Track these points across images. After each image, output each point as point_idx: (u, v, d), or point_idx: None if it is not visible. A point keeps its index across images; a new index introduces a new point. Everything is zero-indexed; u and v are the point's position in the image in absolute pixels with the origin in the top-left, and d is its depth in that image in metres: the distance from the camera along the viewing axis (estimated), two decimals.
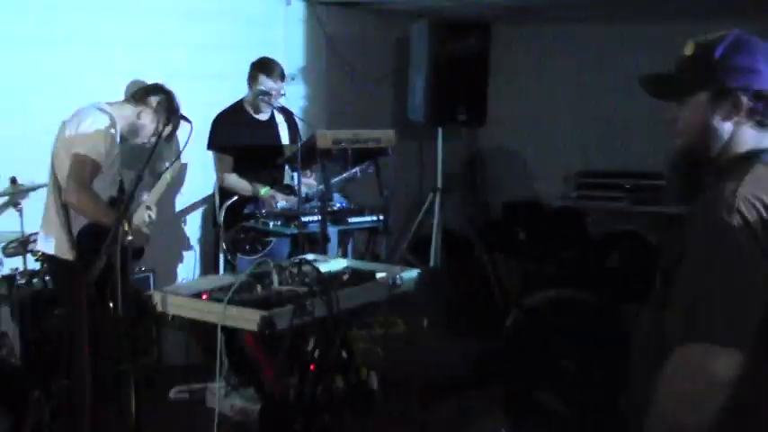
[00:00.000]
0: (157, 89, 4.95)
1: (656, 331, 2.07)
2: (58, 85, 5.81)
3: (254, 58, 6.13)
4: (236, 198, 5.85)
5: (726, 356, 1.87)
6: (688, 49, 2.18)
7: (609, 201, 8.23)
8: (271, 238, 5.82)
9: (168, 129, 4.57)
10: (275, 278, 4.01)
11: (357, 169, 5.71)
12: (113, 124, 4.70)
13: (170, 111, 4.75)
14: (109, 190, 4.73)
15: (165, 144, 4.56)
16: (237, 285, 3.83)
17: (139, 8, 6.49)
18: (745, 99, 2.08)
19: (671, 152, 2.27)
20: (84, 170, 4.56)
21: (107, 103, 4.81)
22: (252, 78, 5.97)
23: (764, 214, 1.91)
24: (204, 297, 3.88)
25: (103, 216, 4.51)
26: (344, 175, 5.87)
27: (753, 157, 2.06)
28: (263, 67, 5.94)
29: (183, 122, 4.35)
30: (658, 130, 7.29)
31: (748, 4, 6.89)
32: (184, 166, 6.37)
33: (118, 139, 4.77)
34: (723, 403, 1.88)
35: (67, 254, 4.63)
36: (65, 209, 4.64)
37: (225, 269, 5.81)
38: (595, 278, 7.43)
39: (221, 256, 5.90)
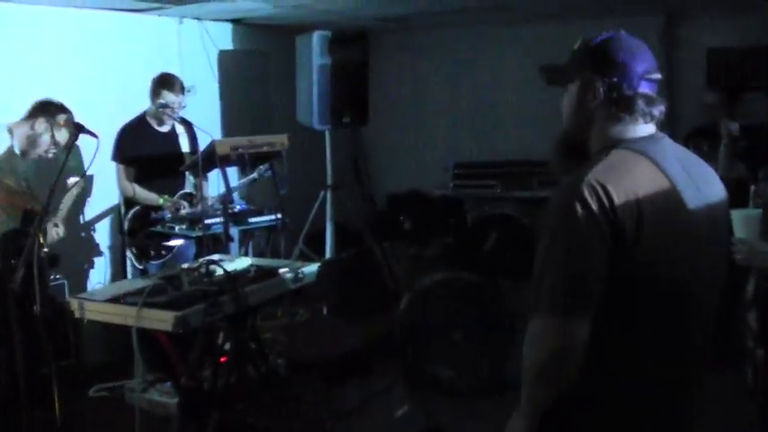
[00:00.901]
0: (48, 103, 4.87)
1: None
2: None
3: (152, 74, 5.99)
4: (139, 206, 5.76)
5: (562, 329, 1.91)
6: (576, 44, 2.19)
7: (483, 188, 8.33)
8: (175, 242, 5.72)
9: (66, 139, 4.51)
10: (185, 280, 3.94)
11: (256, 173, 5.67)
12: (9, 139, 4.65)
13: (70, 124, 4.68)
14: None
15: (70, 157, 4.42)
16: (150, 289, 3.75)
17: (44, 33, 6.31)
18: (602, 89, 2.10)
19: (554, 137, 2.29)
20: None
21: (9, 124, 4.69)
22: (154, 93, 5.83)
23: (605, 201, 1.90)
24: (120, 302, 3.78)
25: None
26: (246, 179, 5.83)
27: (612, 146, 2.08)
28: (164, 82, 5.82)
29: (88, 136, 4.20)
30: (526, 122, 7.51)
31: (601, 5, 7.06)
32: (91, 179, 6.23)
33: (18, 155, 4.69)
34: (565, 372, 1.92)
35: None
36: None
37: (133, 275, 5.70)
38: (476, 259, 7.52)
39: (128, 262, 5.80)
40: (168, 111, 5.77)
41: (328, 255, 7.30)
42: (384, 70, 8.56)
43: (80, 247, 6.67)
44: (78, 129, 4.13)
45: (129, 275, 5.76)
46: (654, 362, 2.02)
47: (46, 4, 6.30)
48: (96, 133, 4.19)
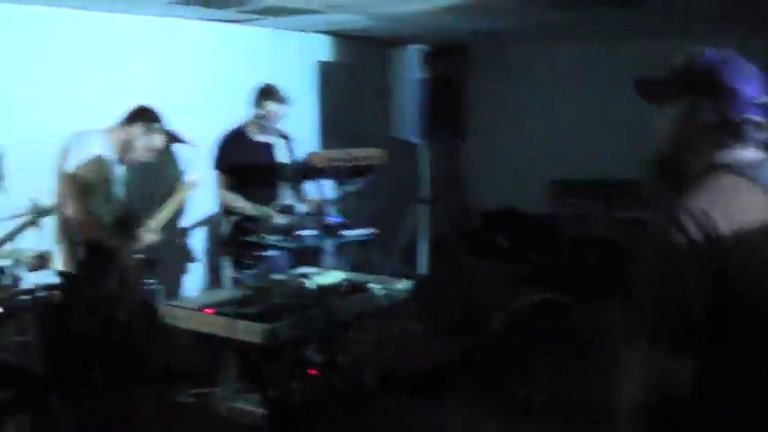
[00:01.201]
0: (144, 110, 4.89)
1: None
2: (72, 111, 5.76)
3: (249, 85, 6.04)
4: (237, 216, 5.76)
5: (661, 360, 1.82)
6: (677, 59, 2.08)
7: (582, 207, 8.19)
8: (270, 253, 5.73)
9: (158, 143, 4.56)
10: (276, 292, 3.96)
11: (357, 184, 5.66)
12: (105, 146, 4.66)
13: (161, 129, 4.73)
14: (112, 210, 4.65)
15: (167, 165, 4.48)
16: (240, 300, 3.77)
17: (141, 42, 6.45)
18: (708, 114, 1.99)
19: (648, 158, 2.19)
20: (68, 189, 4.58)
21: (104, 129, 4.75)
22: (256, 102, 5.87)
23: (708, 229, 1.81)
24: (210, 311, 3.80)
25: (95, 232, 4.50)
26: (345, 189, 5.82)
27: (715, 170, 1.98)
28: (267, 92, 5.85)
29: (183, 145, 4.27)
30: (628, 140, 7.34)
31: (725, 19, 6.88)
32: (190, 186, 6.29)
33: (113, 161, 4.72)
34: (664, 402, 1.84)
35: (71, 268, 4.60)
36: (67, 227, 4.59)
37: (228, 283, 5.72)
38: (571, 281, 7.38)
39: (224, 271, 5.84)
40: (267, 121, 5.80)
41: (421, 270, 7.25)
42: (482, 85, 8.49)
43: (176, 253, 6.77)
44: (171, 138, 4.18)
45: (224, 284, 5.79)
46: (756, 390, 1.92)
47: (144, 14, 6.43)
48: (189, 141, 4.24)
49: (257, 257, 5.73)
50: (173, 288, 6.49)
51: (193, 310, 3.88)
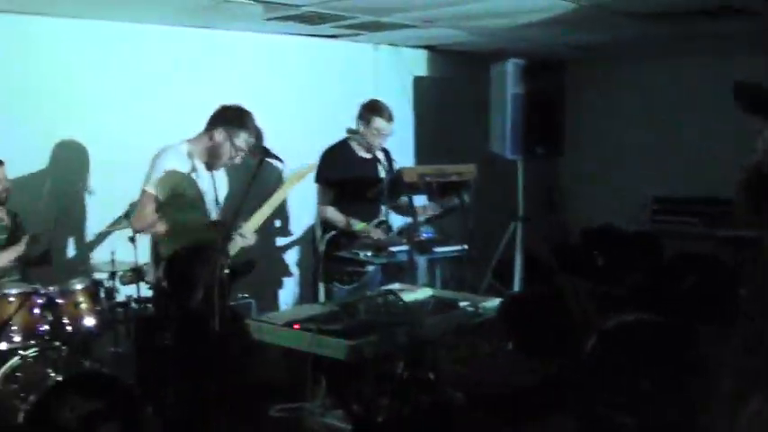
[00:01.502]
0: (224, 109, 4.82)
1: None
2: (167, 128, 5.89)
3: (348, 100, 6.06)
4: (335, 230, 5.77)
5: None
6: None
7: (684, 225, 7.99)
8: (367, 268, 5.72)
9: (244, 144, 4.60)
10: (362, 308, 3.96)
11: (450, 199, 5.62)
12: (184, 159, 4.67)
13: (241, 126, 4.70)
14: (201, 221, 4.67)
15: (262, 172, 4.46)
16: (326, 316, 3.79)
17: (239, 57, 6.57)
18: None
19: (744, 172, 2.08)
20: (140, 206, 4.65)
21: (187, 140, 4.78)
22: (362, 118, 5.86)
23: None
24: (296, 327, 3.82)
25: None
26: (433, 212, 5.79)
27: None
28: (374, 108, 5.85)
29: (275, 161, 4.27)
30: (730, 157, 7.10)
31: None
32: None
33: (196, 170, 4.72)
34: None
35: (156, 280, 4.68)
36: (153, 239, 4.73)
37: (324, 297, 5.73)
38: (670, 301, 7.18)
39: (321, 285, 5.85)
40: (374, 137, 5.81)
41: (517, 288, 7.16)
42: (580, 101, 8.35)
43: (270, 266, 6.85)
44: (264, 153, 4.19)
45: (321, 299, 5.78)
46: None
47: (242, 29, 6.55)
48: (282, 158, 4.25)
49: (354, 273, 5.74)
50: (267, 303, 6.57)
51: (280, 325, 3.90)
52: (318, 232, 5.96)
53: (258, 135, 4.66)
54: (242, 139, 4.60)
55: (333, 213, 5.83)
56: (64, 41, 5.98)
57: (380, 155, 5.98)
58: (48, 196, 6.03)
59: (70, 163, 6.05)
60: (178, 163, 4.62)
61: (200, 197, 4.67)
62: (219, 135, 4.68)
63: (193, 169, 4.68)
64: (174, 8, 5.74)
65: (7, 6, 5.55)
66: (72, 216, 6.12)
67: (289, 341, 3.83)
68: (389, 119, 5.83)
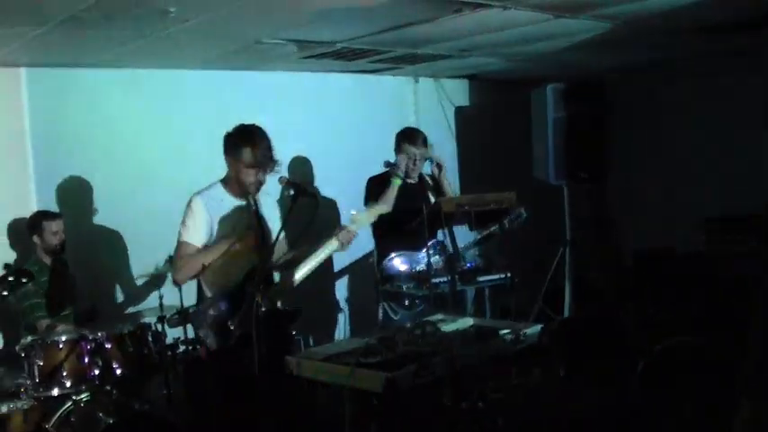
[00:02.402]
0: (225, 138, 4.76)
1: None
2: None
3: (390, 132, 6.13)
4: (392, 256, 5.78)
5: None
6: None
7: (739, 245, 7.87)
8: (417, 298, 5.72)
9: (255, 157, 4.55)
10: (400, 340, 4.00)
11: (491, 228, 5.64)
12: (216, 198, 4.73)
13: (243, 143, 4.62)
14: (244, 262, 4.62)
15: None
16: (364, 349, 3.84)
17: (282, 95, 6.71)
18: None
19: None
20: (179, 253, 4.73)
21: (221, 179, 4.83)
22: (398, 147, 5.96)
23: None
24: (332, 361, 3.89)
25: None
26: (479, 234, 5.80)
27: None
28: (407, 136, 5.94)
29: (306, 199, 4.33)
30: None
31: None
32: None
33: (234, 205, 4.74)
34: None
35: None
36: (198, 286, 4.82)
37: (384, 324, 5.77)
38: (727, 325, 7.08)
39: (380, 312, 5.89)
40: (412, 163, 5.88)
41: (567, 313, 7.15)
42: (624, 122, 8.32)
43: (321, 301, 6.93)
44: (298, 191, 4.25)
45: (381, 325, 5.79)
46: None
47: (280, 69, 6.70)
48: (315, 193, 4.33)
49: (417, 298, 5.75)
50: (320, 337, 6.65)
51: (317, 360, 3.97)
52: (375, 259, 6.00)
53: (266, 145, 4.64)
54: (249, 156, 4.57)
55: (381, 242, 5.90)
56: (105, 91, 6.20)
57: (428, 181, 6.02)
58: (89, 241, 6.22)
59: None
60: (209, 204, 4.69)
61: (239, 230, 4.66)
62: (230, 162, 4.70)
63: (231, 205, 4.72)
64: (211, 53, 5.91)
65: (52, 60, 5.77)
66: (117, 262, 6.30)
67: (327, 375, 3.88)
68: (421, 144, 5.90)
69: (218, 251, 4.58)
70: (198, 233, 4.67)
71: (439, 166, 5.99)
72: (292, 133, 6.52)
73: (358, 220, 4.80)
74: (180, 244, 4.72)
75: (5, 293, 4.52)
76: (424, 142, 5.95)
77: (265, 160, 4.59)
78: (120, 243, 6.34)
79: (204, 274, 4.68)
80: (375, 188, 5.94)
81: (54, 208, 5.85)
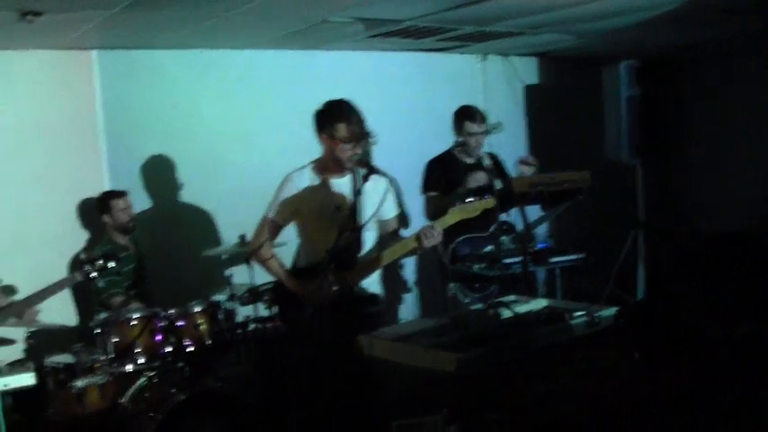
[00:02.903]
0: (315, 115, 4.62)
1: None
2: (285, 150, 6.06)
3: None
4: (461, 239, 5.72)
5: None
6: None
7: None
8: (488, 279, 5.66)
9: (350, 131, 4.43)
10: (473, 321, 3.96)
11: (562, 208, 5.56)
12: (307, 178, 4.66)
13: (335, 118, 4.48)
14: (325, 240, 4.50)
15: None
16: (436, 329, 3.81)
17: (346, 74, 6.68)
18: None
19: None
20: (260, 231, 4.70)
21: (312, 160, 4.75)
22: (456, 126, 5.92)
23: None
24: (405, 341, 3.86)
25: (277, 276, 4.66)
26: (551, 214, 5.72)
27: None
28: (466, 114, 5.89)
29: (379, 176, 4.31)
30: None
31: None
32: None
33: (326, 184, 4.64)
34: None
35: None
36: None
37: (451, 307, 5.71)
38: None
39: (448, 294, 5.84)
40: (471, 142, 5.82)
41: (640, 296, 7.03)
42: (698, 100, 8.10)
43: (391, 282, 6.91)
44: (370, 170, 4.23)
45: (448, 309, 5.72)
46: None
47: (348, 49, 6.66)
48: (388, 174, 4.29)
49: (487, 280, 5.72)
50: (390, 315, 6.63)
51: (389, 340, 3.94)
52: (441, 243, 5.93)
53: (359, 120, 4.56)
54: (343, 130, 4.45)
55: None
56: (175, 72, 6.25)
57: (488, 161, 5.95)
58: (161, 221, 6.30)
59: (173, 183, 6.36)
60: (301, 184, 4.64)
61: (330, 211, 4.59)
62: (324, 139, 4.57)
63: (323, 184, 4.64)
64: (279, 32, 5.90)
65: (122, 42, 5.82)
66: (189, 240, 6.35)
67: (399, 356, 3.86)
68: (479, 120, 5.86)
69: (275, 274, 4.68)
70: (281, 212, 4.65)
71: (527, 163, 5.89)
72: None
73: (443, 220, 4.68)
74: (263, 218, 4.71)
75: (94, 275, 4.63)
76: (483, 119, 5.90)
77: (360, 133, 4.49)
78: (192, 222, 6.40)
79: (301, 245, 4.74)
80: (435, 171, 5.90)
81: (127, 188, 5.90)
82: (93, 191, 5.84)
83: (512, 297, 4.68)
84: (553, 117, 8.07)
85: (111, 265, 4.78)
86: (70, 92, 5.96)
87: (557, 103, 8.11)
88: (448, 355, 3.58)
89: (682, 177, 8.92)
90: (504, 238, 5.65)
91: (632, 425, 4.79)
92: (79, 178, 5.98)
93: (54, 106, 5.89)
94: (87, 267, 4.72)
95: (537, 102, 8.06)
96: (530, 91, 8.01)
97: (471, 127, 5.82)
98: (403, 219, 4.95)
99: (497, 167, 6.04)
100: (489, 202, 4.49)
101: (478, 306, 4.31)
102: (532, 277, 5.76)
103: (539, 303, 4.47)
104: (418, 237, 4.43)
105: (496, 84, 7.71)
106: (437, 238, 4.45)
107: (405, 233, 4.83)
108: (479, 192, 4.72)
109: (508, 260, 5.43)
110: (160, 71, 6.23)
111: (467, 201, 4.43)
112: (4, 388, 3.72)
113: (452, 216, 4.48)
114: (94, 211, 5.80)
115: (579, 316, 4.19)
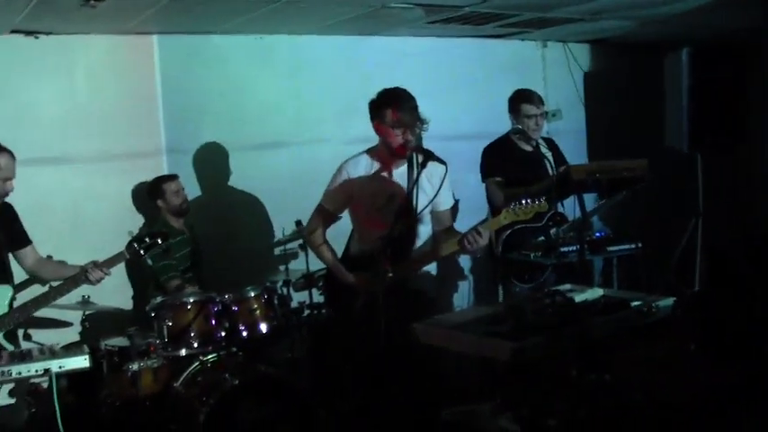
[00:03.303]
0: (369, 105, 4.60)
1: None
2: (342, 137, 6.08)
3: None
4: (514, 228, 5.58)
5: None
6: None
7: None
8: (543, 267, 5.60)
9: (403, 118, 4.39)
10: (528, 309, 3.91)
11: (621, 196, 5.47)
12: (363, 165, 4.66)
13: (388, 104, 4.46)
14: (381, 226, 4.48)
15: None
16: (491, 317, 3.77)
17: (401, 60, 6.66)
18: None
19: None
20: (314, 218, 4.74)
21: (368, 148, 4.73)
22: (513, 109, 5.84)
23: None
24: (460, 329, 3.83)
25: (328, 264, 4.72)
26: (609, 202, 5.63)
27: None
28: (521, 96, 5.81)
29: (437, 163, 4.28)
30: None
31: None
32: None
33: (381, 171, 4.64)
34: None
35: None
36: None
37: (503, 297, 5.70)
38: None
39: (500, 285, 5.80)
40: (527, 127, 5.75)
41: (697, 286, 6.90)
42: (761, 87, 7.89)
43: (445, 269, 6.87)
44: (426, 157, 4.20)
45: (500, 299, 5.74)
46: None
47: (409, 35, 6.63)
48: (444, 161, 4.26)
49: (537, 270, 5.65)
50: (443, 304, 6.60)
51: (444, 328, 3.91)
52: (493, 233, 5.87)
53: (410, 106, 4.51)
54: (392, 116, 4.43)
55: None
56: (235, 57, 6.28)
57: (546, 148, 5.88)
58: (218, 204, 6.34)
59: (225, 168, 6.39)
60: (355, 172, 4.64)
61: (383, 200, 4.59)
62: (376, 127, 4.57)
63: (377, 173, 4.64)
64: (339, 18, 5.89)
65: (182, 27, 5.86)
66: (245, 225, 6.38)
67: (454, 344, 3.83)
68: (537, 102, 5.77)
69: (326, 262, 4.77)
70: (334, 201, 4.69)
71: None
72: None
73: (495, 221, 4.63)
74: (317, 206, 4.75)
75: (142, 253, 4.66)
76: (541, 101, 5.82)
77: (410, 119, 4.44)
78: (249, 207, 6.42)
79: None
80: (493, 156, 5.83)
81: (184, 174, 5.95)
82: (152, 175, 5.88)
83: (567, 286, 4.63)
84: (614, 104, 7.93)
85: (159, 242, 4.77)
86: (130, 77, 6.02)
87: (616, 91, 7.98)
88: (502, 343, 3.54)
89: (743, 166, 8.73)
90: (556, 229, 5.58)
91: (688, 417, 4.72)
92: (138, 163, 6.03)
93: (114, 91, 5.96)
94: (136, 245, 4.72)
95: (596, 89, 7.94)
96: (589, 78, 7.90)
97: (529, 109, 5.73)
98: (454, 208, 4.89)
99: (555, 154, 5.96)
100: (543, 205, 4.43)
101: (534, 295, 4.25)
102: (589, 266, 5.68)
103: (595, 293, 4.40)
104: (461, 242, 4.43)
105: (556, 71, 7.62)
106: (481, 243, 4.43)
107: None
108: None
109: (565, 248, 5.36)
110: (219, 56, 6.26)
111: (522, 202, 4.39)
112: (60, 370, 3.74)
113: (505, 217, 4.45)
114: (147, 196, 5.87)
115: (637, 306, 4.12)
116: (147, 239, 4.73)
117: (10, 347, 4.39)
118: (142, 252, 4.71)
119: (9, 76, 5.63)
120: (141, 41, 6.00)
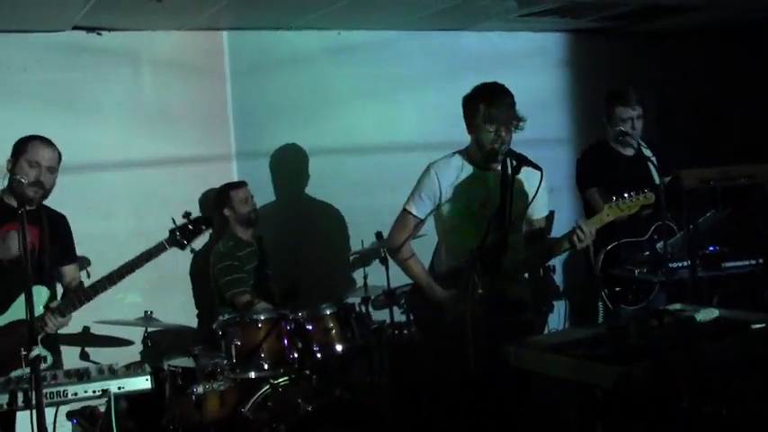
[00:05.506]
0: (462, 102, 4.55)
1: None
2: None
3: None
4: (615, 243, 5.55)
5: None
6: None
7: None
8: (650, 286, 5.46)
9: (497, 113, 4.30)
10: (633, 331, 3.81)
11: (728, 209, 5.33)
12: (453, 168, 4.58)
13: (483, 99, 4.38)
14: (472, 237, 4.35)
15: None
16: (592, 339, 3.68)
17: (487, 59, 6.60)
18: None
19: None
20: (398, 227, 4.66)
21: (458, 150, 4.65)
22: (607, 112, 5.69)
23: None
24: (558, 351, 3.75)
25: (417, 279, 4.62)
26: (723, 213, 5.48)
27: None
28: (618, 97, 5.64)
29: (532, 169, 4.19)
30: None
31: None
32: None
33: (474, 174, 4.55)
34: None
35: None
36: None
37: (604, 318, 5.60)
38: None
39: (600, 306, 5.70)
40: (627, 127, 5.59)
41: None
42: None
43: (540, 288, 6.78)
44: (520, 161, 4.13)
45: (601, 319, 5.65)
46: None
47: (499, 29, 6.60)
48: (540, 166, 4.17)
49: (640, 292, 5.53)
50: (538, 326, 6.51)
51: (539, 350, 3.83)
52: (591, 248, 5.74)
53: (506, 102, 4.41)
54: (484, 111, 4.35)
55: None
56: (309, 54, 6.29)
57: (648, 151, 5.73)
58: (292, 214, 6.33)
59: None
60: (444, 175, 4.57)
61: (475, 207, 4.52)
62: (469, 125, 4.50)
63: (469, 177, 4.56)
64: (423, 11, 5.86)
65: (254, 22, 5.89)
66: (322, 236, 6.36)
67: (550, 367, 3.75)
68: (633, 102, 5.58)
69: (414, 277, 4.65)
70: (421, 206, 4.60)
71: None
72: None
73: (599, 218, 4.52)
74: (402, 211, 4.67)
75: (185, 242, 4.53)
76: (639, 101, 5.62)
77: (506, 117, 4.36)
78: (326, 216, 6.42)
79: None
80: (590, 164, 5.70)
81: (255, 180, 5.95)
82: (220, 181, 5.90)
83: (677, 306, 4.50)
84: (721, 100, 7.70)
85: (204, 228, 4.57)
86: (199, 75, 6.08)
87: (724, 86, 7.74)
88: (606, 368, 3.45)
89: None
90: (659, 244, 5.42)
91: None
92: (206, 168, 6.07)
93: (182, 90, 6.03)
94: (178, 234, 4.51)
95: (702, 85, 7.73)
96: (695, 74, 7.70)
97: (624, 112, 5.56)
98: (549, 218, 4.80)
99: (658, 158, 5.79)
100: (649, 197, 4.35)
101: (640, 315, 4.14)
102: (701, 284, 5.51)
103: (710, 313, 4.26)
104: (570, 239, 4.32)
105: (658, 68, 7.46)
106: (590, 238, 4.35)
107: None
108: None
109: (674, 264, 5.21)
110: (293, 53, 6.28)
111: (624, 196, 4.28)
112: (119, 391, 3.74)
113: (609, 213, 4.37)
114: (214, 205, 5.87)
115: (758, 329, 3.98)
116: (190, 227, 4.53)
117: (44, 353, 4.29)
118: (185, 242, 4.52)
119: (71, 75, 5.71)
120: (210, 38, 6.05)
